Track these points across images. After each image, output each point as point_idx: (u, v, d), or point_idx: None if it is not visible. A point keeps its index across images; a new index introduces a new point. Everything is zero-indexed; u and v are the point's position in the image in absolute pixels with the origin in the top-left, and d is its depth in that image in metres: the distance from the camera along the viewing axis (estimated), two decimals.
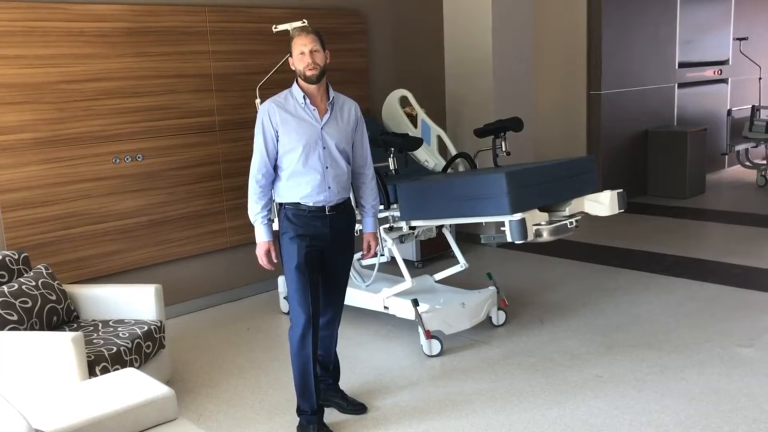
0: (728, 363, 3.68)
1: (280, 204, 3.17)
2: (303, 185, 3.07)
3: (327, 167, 3.09)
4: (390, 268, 4.68)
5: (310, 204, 3.09)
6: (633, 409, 3.26)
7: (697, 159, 8.03)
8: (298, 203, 3.10)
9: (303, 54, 3.05)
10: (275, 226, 3.23)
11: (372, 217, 3.38)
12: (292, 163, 3.06)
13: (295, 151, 3.05)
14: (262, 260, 3.17)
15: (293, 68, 3.12)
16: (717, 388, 3.41)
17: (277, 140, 3.07)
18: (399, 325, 4.42)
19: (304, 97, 3.09)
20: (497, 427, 3.17)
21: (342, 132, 3.15)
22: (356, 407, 3.40)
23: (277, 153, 3.10)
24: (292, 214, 3.11)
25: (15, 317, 3.23)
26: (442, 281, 4.54)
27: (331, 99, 3.15)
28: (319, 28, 5.36)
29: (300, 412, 3.22)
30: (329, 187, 3.09)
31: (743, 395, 3.32)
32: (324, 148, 3.09)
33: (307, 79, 3.07)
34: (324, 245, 3.15)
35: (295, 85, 3.14)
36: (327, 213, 3.12)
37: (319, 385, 3.46)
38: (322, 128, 3.09)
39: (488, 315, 4.31)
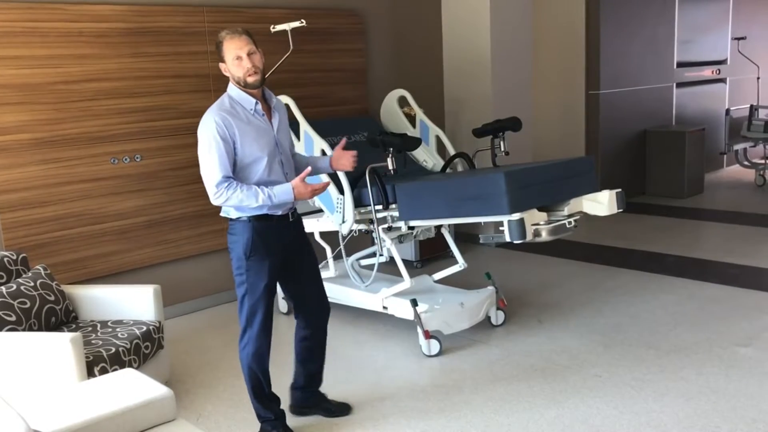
0: (727, 363, 3.68)
1: (238, 219, 2.94)
2: None
3: (287, 173, 3.01)
4: (389, 268, 4.68)
5: (279, 213, 2.98)
6: (632, 408, 3.26)
7: (695, 159, 8.03)
8: (267, 214, 2.94)
9: (240, 59, 2.82)
10: (238, 239, 2.97)
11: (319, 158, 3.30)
12: (257, 174, 2.89)
13: (260, 161, 2.88)
14: (314, 189, 2.89)
15: (227, 74, 2.91)
16: (716, 388, 3.41)
17: (235, 153, 2.85)
18: (398, 325, 4.42)
19: (255, 102, 2.90)
20: (496, 426, 3.17)
21: (286, 135, 3.08)
22: (342, 408, 3.37)
23: (234, 166, 2.87)
24: (262, 227, 2.92)
25: (13, 318, 3.23)
26: (440, 281, 4.54)
27: (273, 103, 3.01)
28: (318, 28, 5.42)
29: (262, 419, 3.16)
30: None
31: (742, 395, 3.33)
32: (281, 153, 2.99)
33: (248, 86, 2.86)
34: (292, 255, 3.08)
35: (236, 90, 2.91)
36: (291, 219, 3.05)
37: (305, 395, 3.38)
38: (276, 133, 2.97)
39: (487, 315, 4.31)
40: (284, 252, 3.05)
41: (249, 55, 2.84)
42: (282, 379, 3.75)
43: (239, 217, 2.94)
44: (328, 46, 5.55)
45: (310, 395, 3.38)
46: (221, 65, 2.91)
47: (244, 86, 2.88)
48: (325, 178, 3.99)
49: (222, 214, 3.04)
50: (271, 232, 2.97)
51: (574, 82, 7.66)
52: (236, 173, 2.89)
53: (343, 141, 3.21)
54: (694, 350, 3.86)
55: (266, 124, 2.94)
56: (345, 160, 3.14)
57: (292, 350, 3.36)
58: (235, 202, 2.84)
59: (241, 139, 2.84)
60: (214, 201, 2.87)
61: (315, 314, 3.26)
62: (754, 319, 4.26)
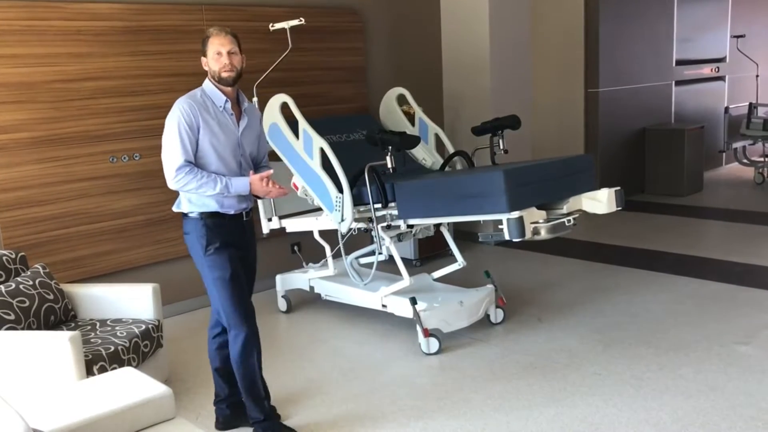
0: (726, 361, 3.68)
1: (190, 214, 2.98)
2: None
3: (244, 175, 3.03)
4: (388, 266, 4.68)
5: (232, 212, 3.01)
6: (631, 407, 3.26)
7: (694, 157, 8.03)
8: (218, 212, 2.97)
9: (220, 54, 2.91)
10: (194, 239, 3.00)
11: None
12: (210, 169, 2.93)
13: (218, 156, 2.93)
14: (270, 191, 2.93)
15: (206, 68, 2.98)
16: (715, 386, 3.41)
17: (197, 142, 2.90)
18: (397, 323, 4.42)
19: (226, 100, 2.97)
20: (495, 425, 3.17)
21: (252, 140, 3.10)
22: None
23: (194, 156, 2.91)
24: (213, 223, 2.96)
25: (12, 317, 3.23)
26: (440, 279, 4.54)
27: (245, 106, 3.06)
28: (317, 26, 5.41)
29: (254, 420, 3.12)
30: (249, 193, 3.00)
31: (741, 393, 3.33)
32: (242, 155, 3.03)
33: (221, 81, 2.94)
34: (243, 252, 3.09)
35: (210, 85, 2.98)
36: (244, 219, 3.07)
37: (230, 406, 3.28)
38: (240, 135, 3.02)
39: (486, 313, 4.31)
40: (238, 247, 3.05)
41: (229, 53, 2.93)
42: (281, 378, 3.75)
43: (191, 212, 2.98)
44: (327, 44, 5.54)
45: (235, 406, 3.27)
46: (202, 59, 2.99)
47: (218, 81, 2.96)
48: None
49: (174, 208, 3.07)
50: (224, 230, 3.00)
51: (573, 80, 7.66)
52: (195, 162, 2.93)
53: (269, 172, 3.02)
54: (693, 348, 3.86)
55: (233, 124, 3.00)
56: (262, 189, 2.98)
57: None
58: (193, 187, 2.88)
59: (203, 130, 2.90)
60: (172, 185, 2.90)
61: None
62: (754, 317, 4.26)
